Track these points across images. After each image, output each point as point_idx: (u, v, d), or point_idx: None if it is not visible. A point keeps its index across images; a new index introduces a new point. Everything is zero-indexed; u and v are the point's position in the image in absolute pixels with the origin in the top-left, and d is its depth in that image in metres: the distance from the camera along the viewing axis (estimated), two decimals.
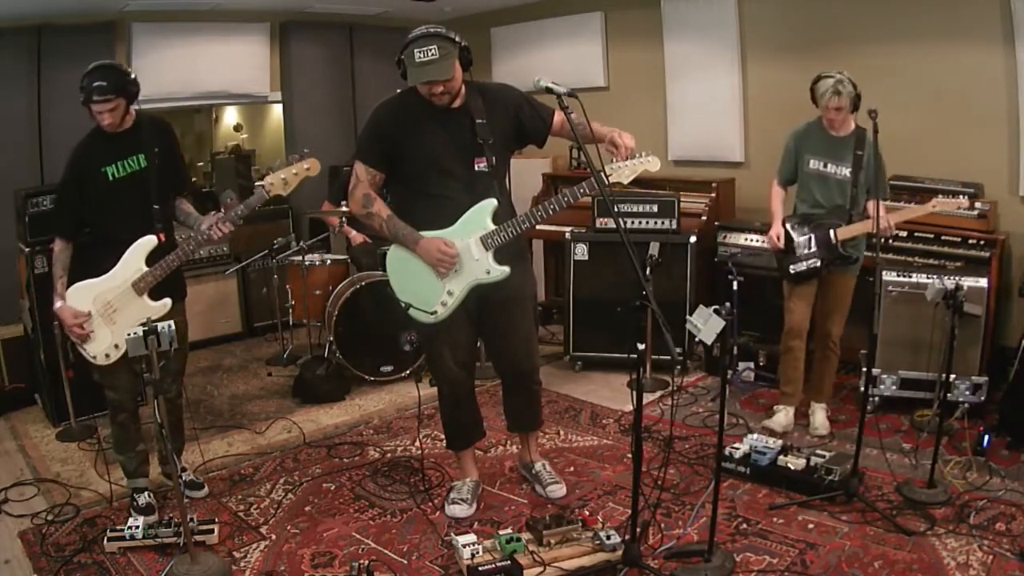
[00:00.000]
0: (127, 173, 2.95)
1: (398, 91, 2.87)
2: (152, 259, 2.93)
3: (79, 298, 2.91)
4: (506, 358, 3.10)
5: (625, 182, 2.78)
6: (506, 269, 2.82)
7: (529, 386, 3.18)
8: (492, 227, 2.80)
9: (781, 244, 3.59)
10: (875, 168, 3.39)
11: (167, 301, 2.98)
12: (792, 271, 3.58)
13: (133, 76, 2.92)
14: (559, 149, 5.72)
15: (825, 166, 3.53)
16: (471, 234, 2.81)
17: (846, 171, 3.49)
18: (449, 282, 2.84)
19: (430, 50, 2.60)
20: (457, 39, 2.68)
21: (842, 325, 3.68)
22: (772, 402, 4.20)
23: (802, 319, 3.63)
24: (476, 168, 2.81)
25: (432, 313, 2.86)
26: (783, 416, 3.75)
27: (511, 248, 2.86)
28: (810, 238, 3.53)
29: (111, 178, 2.93)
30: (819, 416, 3.77)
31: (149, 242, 2.94)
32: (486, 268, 2.82)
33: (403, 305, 2.88)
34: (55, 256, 2.96)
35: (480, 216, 2.81)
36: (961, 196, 3.39)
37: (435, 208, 2.83)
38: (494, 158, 2.81)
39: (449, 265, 2.79)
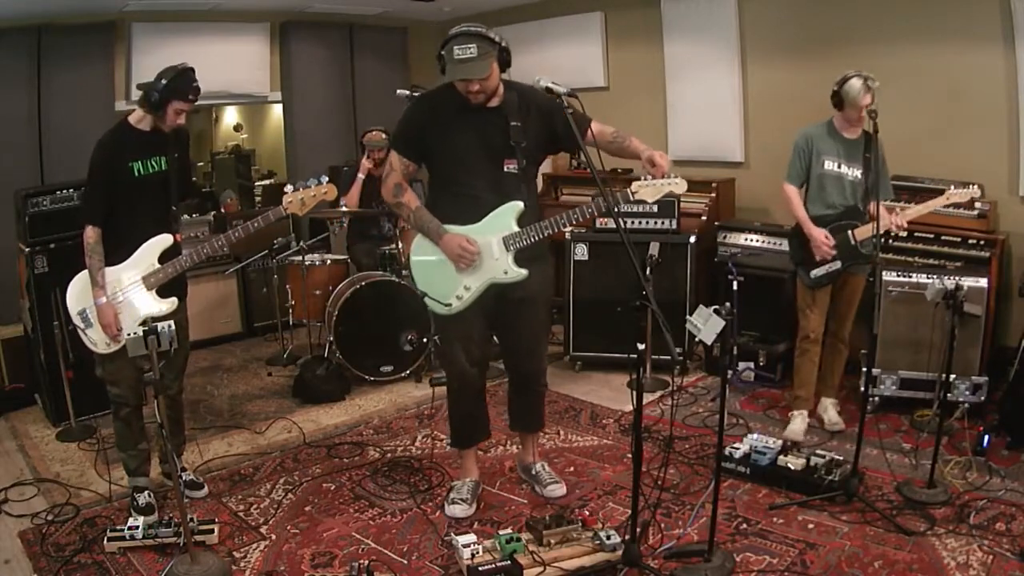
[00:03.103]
0: (150, 172, 3.00)
1: (436, 85, 2.91)
2: (164, 258, 3.01)
3: (87, 286, 2.95)
4: (514, 356, 3.13)
5: (650, 200, 2.85)
6: (523, 271, 2.85)
7: (534, 387, 3.20)
8: (516, 229, 2.83)
9: (831, 244, 3.49)
10: (883, 169, 3.43)
11: (174, 300, 3.04)
12: (813, 276, 3.55)
13: None
14: None
15: (839, 167, 3.52)
16: (494, 233, 2.84)
17: (858, 173, 3.51)
18: (467, 277, 2.87)
19: (469, 48, 2.64)
20: (497, 39, 2.72)
21: (851, 322, 3.71)
22: (773, 402, 4.22)
23: (819, 324, 3.64)
24: (505, 169, 2.85)
25: (447, 305, 2.89)
26: (800, 422, 3.73)
27: (532, 251, 2.88)
28: (833, 243, 3.49)
29: (136, 174, 2.96)
30: (831, 412, 3.80)
31: (165, 240, 3.03)
32: (504, 268, 2.85)
33: (420, 293, 2.93)
34: (92, 247, 2.93)
35: (505, 217, 2.84)
36: (972, 186, 3.35)
37: (461, 204, 2.86)
38: (524, 161, 2.85)
39: (469, 261, 2.83)
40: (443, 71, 2.73)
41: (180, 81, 2.87)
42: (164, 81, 2.87)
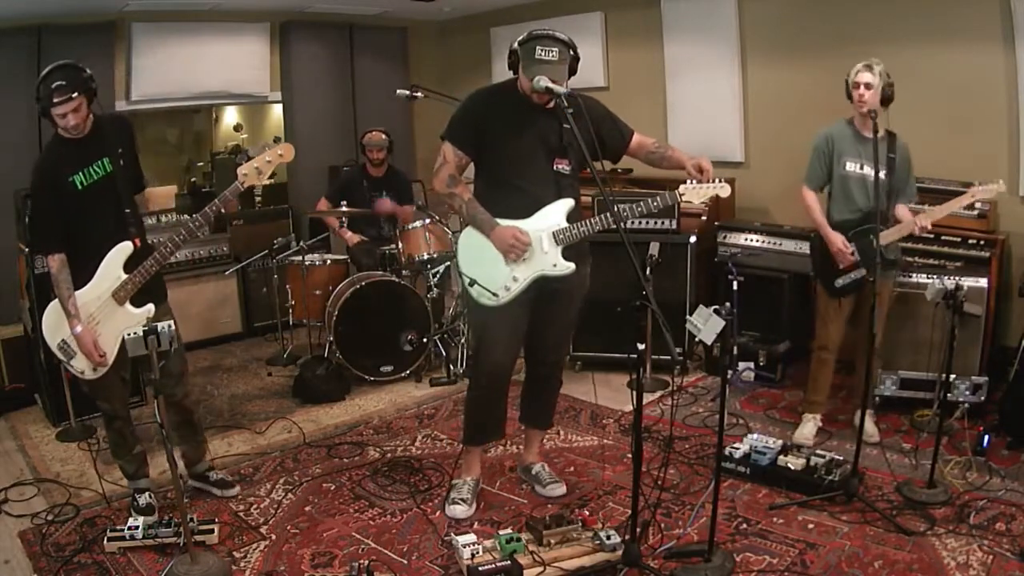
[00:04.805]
0: (95, 180, 2.84)
1: (497, 82, 3.00)
2: (130, 265, 2.86)
3: (61, 317, 2.82)
4: (542, 348, 3.15)
5: (696, 202, 2.96)
6: (572, 265, 2.90)
7: (552, 381, 3.25)
8: (566, 224, 2.89)
9: (850, 251, 3.41)
10: (908, 171, 3.39)
11: (150, 307, 2.91)
12: (839, 285, 3.47)
13: (90, 72, 2.78)
14: None
15: (862, 168, 3.43)
16: (544, 228, 2.89)
17: (881, 173, 3.36)
18: (516, 269, 2.90)
19: (552, 51, 2.72)
20: (574, 49, 2.80)
21: (883, 331, 3.53)
22: (773, 402, 4.22)
23: (838, 333, 3.58)
24: (556, 168, 2.91)
25: (494, 295, 2.90)
26: (812, 426, 3.69)
27: (577, 247, 2.94)
28: (853, 250, 3.43)
29: (79, 187, 2.81)
30: (870, 423, 3.59)
31: (126, 248, 2.86)
32: (553, 262, 2.90)
33: (468, 280, 2.93)
34: (57, 276, 2.80)
35: (556, 213, 2.90)
36: (1000, 182, 3.21)
37: (514, 199, 2.90)
38: (574, 162, 2.92)
39: (520, 252, 2.86)
40: (511, 66, 2.84)
41: (42, 91, 2.68)
42: (35, 98, 2.71)
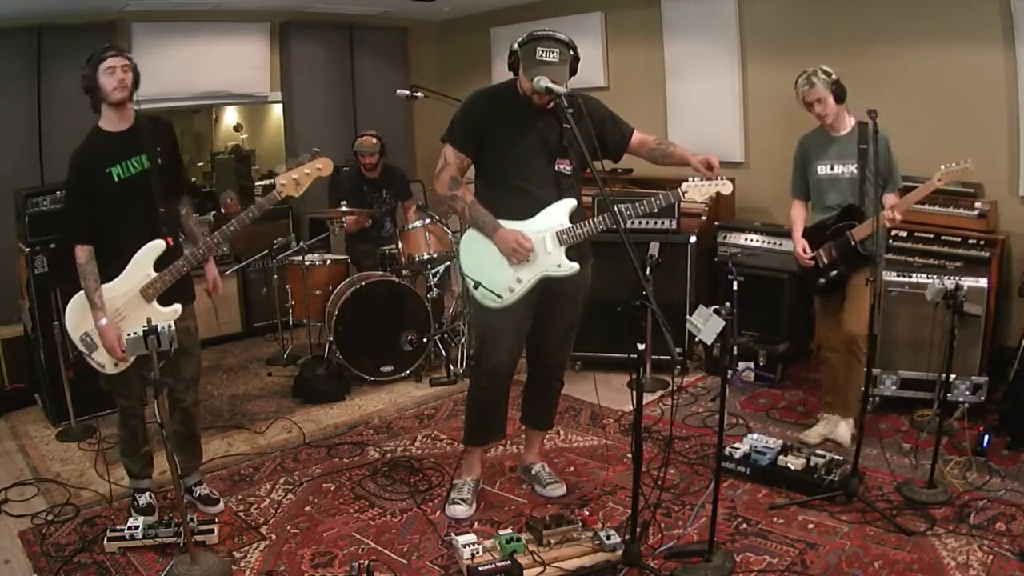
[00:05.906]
0: (132, 174, 2.83)
1: (496, 83, 3.01)
2: (160, 264, 2.86)
3: (86, 309, 2.81)
4: (544, 349, 3.14)
5: (699, 200, 2.97)
6: (576, 265, 2.90)
7: (554, 382, 3.24)
8: (569, 224, 2.89)
9: (808, 255, 3.50)
10: (889, 160, 3.37)
11: (177, 307, 2.90)
12: (820, 283, 3.51)
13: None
14: None
15: (832, 168, 3.46)
16: (548, 228, 2.88)
17: (853, 168, 3.41)
18: (520, 270, 2.89)
19: (553, 52, 2.71)
20: (574, 49, 2.80)
21: (860, 327, 3.36)
22: (772, 402, 4.22)
23: (831, 332, 3.60)
24: (558, 168, 2.90)
25: (499, 297, 2.89)
26: (822, 427, 3.66)
27: (580, 248, 2.94)
28: (830, 248, 3.46)
29: (117, 179, 2.81)
30: (841, 429, 3.58)
31: (158, 246, 2.85)
32: (557, 262, 2.89)
33: (472, 282, 2.92)
34: (84, 267, 2.78)
35: (559, 213, 2.90)
36: (964, 161, 3.15)
37: (517, 200, 2.90)
38: (575, 163, 2.91)
39: (522, 257, 2.86)
40: (511, 67, 2.83)
41: (93, 56, 2.76)
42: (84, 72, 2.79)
